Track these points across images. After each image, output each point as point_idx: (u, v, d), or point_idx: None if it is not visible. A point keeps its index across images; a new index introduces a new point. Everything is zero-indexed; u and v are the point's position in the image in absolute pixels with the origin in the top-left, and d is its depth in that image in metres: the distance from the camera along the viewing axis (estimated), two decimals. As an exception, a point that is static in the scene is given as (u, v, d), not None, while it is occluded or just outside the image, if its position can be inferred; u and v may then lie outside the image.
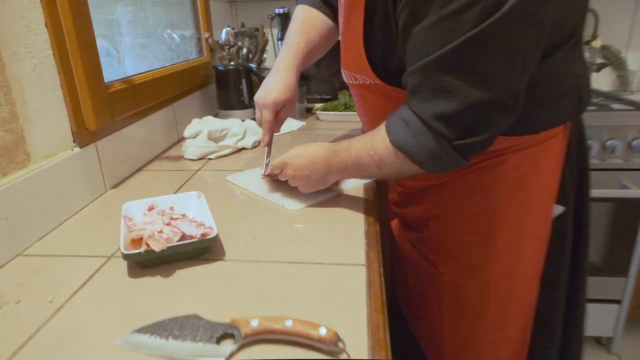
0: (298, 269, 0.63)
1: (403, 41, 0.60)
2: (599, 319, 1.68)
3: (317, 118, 1.47)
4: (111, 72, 1.09)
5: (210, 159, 1.11)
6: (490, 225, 0.75)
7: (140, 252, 0.60)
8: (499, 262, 0.76)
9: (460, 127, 0.58)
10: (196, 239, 0.63)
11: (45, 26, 0.74)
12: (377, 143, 0.66)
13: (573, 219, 0.78)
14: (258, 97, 0.91)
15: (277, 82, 0.89)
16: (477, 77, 0.55)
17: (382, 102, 0.76)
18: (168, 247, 0.61)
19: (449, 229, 0.80)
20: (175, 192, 0.91)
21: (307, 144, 0.82)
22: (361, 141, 0.70)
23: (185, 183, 0.96)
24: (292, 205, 0.82)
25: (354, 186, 0.90)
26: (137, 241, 0.61)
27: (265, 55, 1.55)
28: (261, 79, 1.41)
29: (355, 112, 1.40)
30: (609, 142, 1.46)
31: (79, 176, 0.82)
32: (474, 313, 0.82)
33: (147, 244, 0.60)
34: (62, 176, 0.78)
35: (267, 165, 0.88)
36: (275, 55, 1.63)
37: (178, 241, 0.64)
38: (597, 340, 1.78)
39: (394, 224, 0.97)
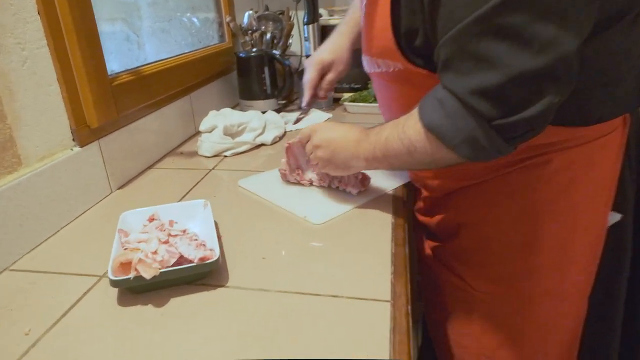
0: (310, 302, 0.54)
1: (432, 11, 0.52)
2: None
3: (345, 110, 1.36)
4: (131, 58, 1.02)
5: (225, 156, 1.03)
6: (532, 234, 0.65)
7: (129, 279, 0.52)
8: (542, 276, 0.67)
9: (502, 104, 0.49)
10: (193, 264, 0.54)
11: (38, 13, 0.67)
12: (409, 126, 0.59)
13: (633, 228, 0.68)
14: (309, 58, 0.90)
15: (326, 44, 0.89)
16: (522, 40, 0.46)
17: (407, 90, 0.67)
18: (161, 273, 0.53)
19: (482, 238, 0.70)
20: (185, 195, 0.83)
21: (342, 123, 0.75)
22: (393, 125, 0.63)
23: (196, 184, 0.88)
24: (317, 217, 0.72)
25: (382, 193, 0.79)
26: (127, 264, 0.54)
27: (290, 41, 1.44)
28: (285, 67, 1.31)
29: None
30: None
31: (79, 178, 0.75)
32: (511, 336, 0.72)
33: (137, 270, 0.52)
34: (60, 179, 0.71)
35: (298, 120, 0.82)
36: (301, 41, 1.53)
37: (174, 264, 0.56)
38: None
39: (420, 236, 0.87)
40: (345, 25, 0.90)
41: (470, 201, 0.71)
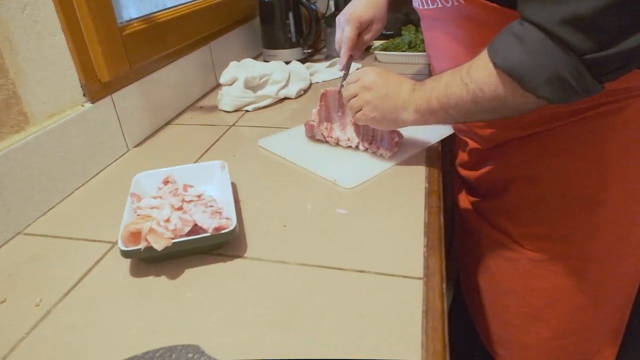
0: (334, 277, 0.49)
1: None
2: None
3: (376, 59, 1.26)
4: (150, 4, 0.95)
5: (247, 110, 0.96)
6: (597, 189, 0.60)
7: (139, 249, 0.48)
8: (603, 235, 0.63)
9: (598, 34, 0.43)
10: (208, 234, 0.50)
11: (35, -47, 0.60)
12: (475, 69, 0.52)
13: None
14: (341, 14, 0.82)
15: None
16: None
17: (467, 29, 0.59)
18: (173, 244, 0.49)
19: (538, 193, 0.65)
20: (204, 153, 0.78)
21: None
22: (453, 72, 0.56)
23: (216, 142, 0.83)
24: (347, 181, 0.66)
25: (417, 151, 0.73)
26: (138, 233, 0.50)
27: (317, -18, 1.33)
28: (311, 12, 1.21)
29: (421, 53, 1.18)
30: None
31: (92, 136, 0.72)
32: (561, 296, 0.67)
33: (147, 240, 0.48)
34: (71, 138, 0.67)
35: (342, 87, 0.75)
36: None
37: (189, 233, 0.52)
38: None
39: (461, 192, 0.80)
40: None
41: (526, 153, 0.65)
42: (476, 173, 0.74)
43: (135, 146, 0.82)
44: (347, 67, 0.81)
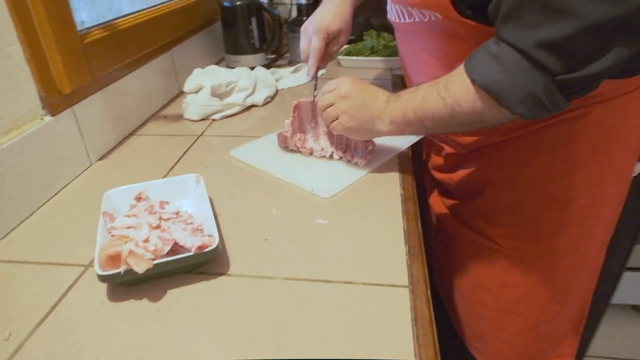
0: (321, 290, 0.49)
1: None
2: (637, 287, 1.57)
3: (339, 64, 1.27)
4: (102, 8, 0.91)
5: (214, 119, 0.94)
6: (567, 189, 0.64)
7: (119, 273, 0.46)
8: (572, 228, 0.67)
9: (570, 57, 0.46)
10: (191, 253, 0.49)
11: (-14, -42, 0.56)
12: (453, 84, 0.54)
13: None
14: (307, 24, 0.81)
15: (331, 9, 0.80)
16: None
17: (445, 46, 0.61)
18: (155, 265, 0.47)
19: (513, 196, 0.68)
20: (174, 165, 0.76)
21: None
22: (430, 85, 0.58)
23: (185, 153, 0.81)
24: (324, 190, 0.66)
25: (388, 158, 0.74)
26: (116, 256, 0.48)
27: (278, -13, 1.32)
28: (274, 17, 1.20)
29: (384, 58, 1.20)
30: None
31: (53, 151, 0.67)
32: (532, 290, 0.72)
33: (128, 263, 0.46)
34: (31, 154, 0.63)
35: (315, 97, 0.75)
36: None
37: (169, 252, 0.50)
38: (635, 307, 1.68)
39: (433, 194, 0.83)
40: None
41: (502, 158, 0.68)
42: (452, 176, 0.76)
43: (99, 159, 0.78)
44: (315, 77, 0.81)
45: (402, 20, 0.65)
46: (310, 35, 0.79)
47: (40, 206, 0.65)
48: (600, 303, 0.88)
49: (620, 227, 0.73)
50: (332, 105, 0.66)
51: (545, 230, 0.67)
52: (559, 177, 0.63)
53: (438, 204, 0.83)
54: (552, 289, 0.71)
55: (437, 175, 0.81)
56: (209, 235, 0.51)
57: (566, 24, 0.43)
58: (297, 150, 0.77)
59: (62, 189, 0.70)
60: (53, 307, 0.48)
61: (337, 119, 0.66)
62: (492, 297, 0.74)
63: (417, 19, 0.62)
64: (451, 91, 0.54)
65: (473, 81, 0.51)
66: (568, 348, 0.78)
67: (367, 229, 0.59)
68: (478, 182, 0.71)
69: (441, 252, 0.86)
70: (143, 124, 0.93)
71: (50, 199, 0.67)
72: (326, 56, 0.82)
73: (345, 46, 1.31)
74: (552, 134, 0.62)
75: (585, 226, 0.66)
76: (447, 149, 0.77)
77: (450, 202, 0.79)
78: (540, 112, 0.49)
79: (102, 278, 0.46)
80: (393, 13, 0.68)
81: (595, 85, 0.49)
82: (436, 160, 0.82)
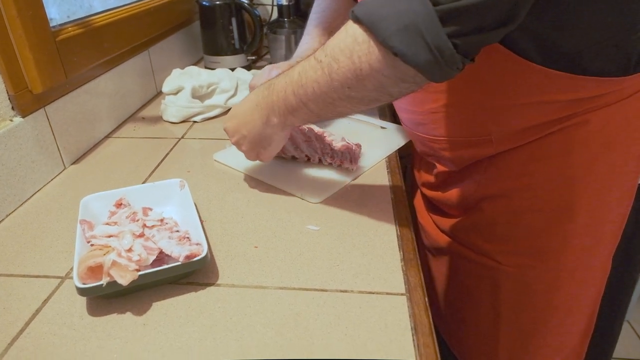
0: (317, 299, 0.47)
1: None
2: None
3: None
4: (73, 4, 0.86)
5: (195, 121, 0.91)
6: (568, 201, 0.61)
7: (101, 286, 0.43)
8: (576, 244, 0.64)
9: None
10: (179, 263, 0.46)
11: (-50, -54, 0.52)
12: (332, 39, 0.47)
13: None
14: (273, 66, 0.77)
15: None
16: None
17: None
18: (140, 276, 0.44)
19: (512, 210, 0.65)
20: (155, 169, 0.72)
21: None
22: (309, 57, 0.52)
23: (166, 156, 0.77)
24: (313, 195, 0.64)
25: (378, 161, 0.73)
26: (97, 268, 0.44)
27: (258, -13, 1.30)
28: (255, 18, 1.18)
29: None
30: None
31: (24, 154, 0.63)
32: (538, 307, 0.68)
33: (110, 275, 0.43)
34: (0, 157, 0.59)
35: None
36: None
37: (154, 262, 0.47)
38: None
39: (422, 212, 0.81)
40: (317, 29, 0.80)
41: (496, 172, 0.65)
42: (444, 194, 0.73)
43: (73, 163, 0.74)
44: None
45: None
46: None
47: (10, 213, 0.61)
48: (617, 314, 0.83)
49: (628, 234, 0.69)
50: (242, 150, 0.65)
51: (548, 245, 0.64)
52: (559, 188, 0.61)
53: (427, 220, 0.80)
54: (558, 307, 0.68)
55: (428, 192, 0.78)
56: (197, 244, 0.49)
57: None
58: (282, 156, 0.75)
59: (33, 194, 0.65)
60: (27, 324, 0.44)
61: (255, 153, 0.64)
62: (488, 311, 0.71)
63: None
64: (328, 47, 0.47)
65: (351, 14, 0.44)
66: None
67: (359, 234, 0.57)
68: (472, 198, 0.68)
69: (430, 266, 0.82)
70: (120, 126, 0.89)
71: (20, 205, 0.63)
72: None
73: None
74: (549, 145, 0.59)
75: (590, 241, 0.64)
76: (439, 167, 0.74)
77: (440, 218, 0.76)
78: (420, 51, 0.42)
79: (82, 291, 0.43)
80: None
81: (489, 33, 0.42)
82: (426, 177, 0.79)
